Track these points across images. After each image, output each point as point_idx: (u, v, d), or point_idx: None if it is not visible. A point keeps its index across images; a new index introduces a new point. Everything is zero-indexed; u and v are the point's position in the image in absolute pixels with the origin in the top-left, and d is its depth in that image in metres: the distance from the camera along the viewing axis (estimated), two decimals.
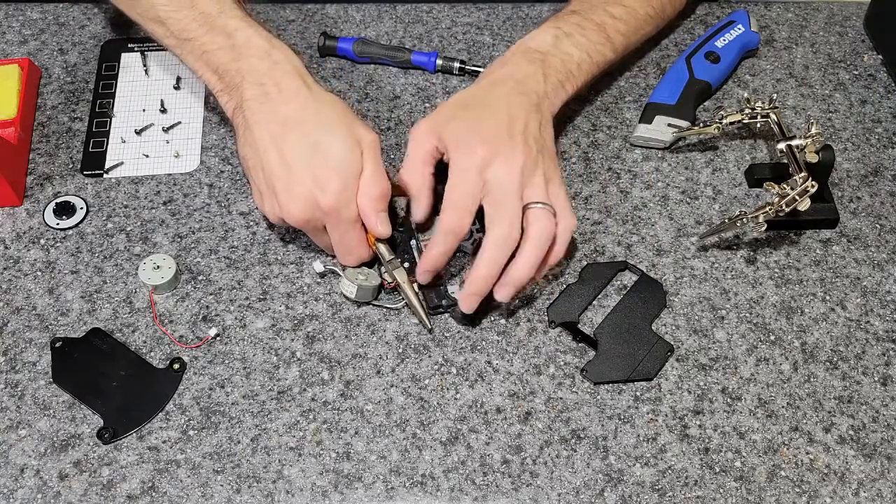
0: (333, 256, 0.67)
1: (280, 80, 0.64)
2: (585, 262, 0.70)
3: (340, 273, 0.67)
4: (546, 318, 0.67)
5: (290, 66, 0.65)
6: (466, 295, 0.63)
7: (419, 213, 0.65)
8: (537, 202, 0.62)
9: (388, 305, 0.67)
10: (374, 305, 0.67)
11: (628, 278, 0.70)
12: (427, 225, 0.67)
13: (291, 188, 0.61)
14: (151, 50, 0.83)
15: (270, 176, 0.62)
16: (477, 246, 0.65)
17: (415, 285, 0.66)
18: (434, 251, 0.63)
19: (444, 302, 0.66)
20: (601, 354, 0.65)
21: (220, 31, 0.66)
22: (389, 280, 0.66)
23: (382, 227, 0.64)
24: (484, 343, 0.66)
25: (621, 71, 0.83)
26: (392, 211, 0.72)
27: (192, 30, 0.66)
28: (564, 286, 0.69)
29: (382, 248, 0.66)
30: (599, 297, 0.69)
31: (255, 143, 0.63)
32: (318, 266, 0.68)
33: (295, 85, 0.64)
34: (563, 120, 0.79)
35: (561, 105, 0.71)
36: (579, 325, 0.67)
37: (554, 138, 0.68)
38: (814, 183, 0.67)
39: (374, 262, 0.68)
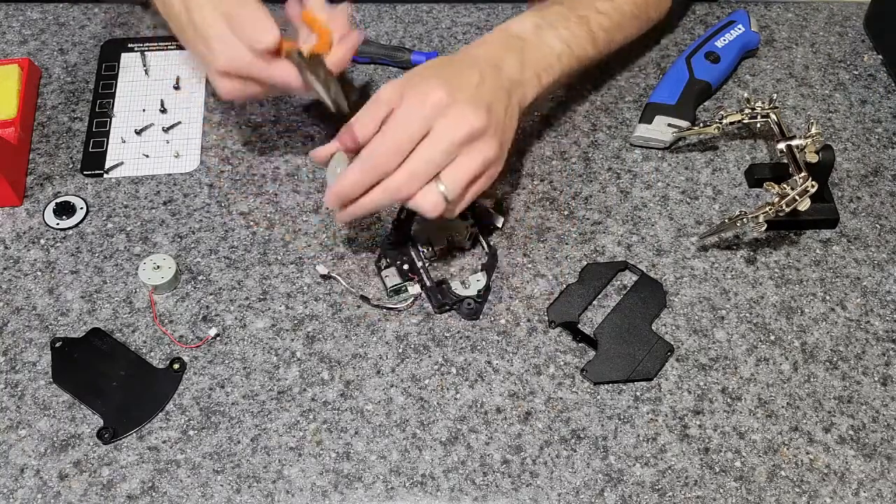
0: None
1: None
2: (585, 263, 0.70)
3: (341, 280, 0.68)
4: (546, 318, 0.67)
5: None
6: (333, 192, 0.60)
7: (362, 136, 0.59)
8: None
9: (389, 306, 0.67)
10: (373, 306, 0.67)
11: (628, 278, 0.70)
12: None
13: (208, 72, 0.65)
14: (151, 50, 0.83)
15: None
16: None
17: (322, 70, 0.63)
18: (349, 179, 0.59)
19: (449, 300, 0.66)
20: (601, 354, 0.65)
21: None
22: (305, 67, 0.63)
23: (260, 38, 0.61)
24: (484, 343, 0.66)
25: (621, 71, 0.83)
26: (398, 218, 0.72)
27: None
28: (564, 286, 0.69)
29: (295, 56, 0.63)
30: (599, 297, 0.69)
31: None
32: (322, 269, 0.68)
33: None
34: (563, 120, 0.79)
35: (533, 99, 0.66)
36: (579, 325, 0.67)
37: (513, 139, 0.64)
38: (814, 183, 0.67)
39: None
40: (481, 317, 0.67)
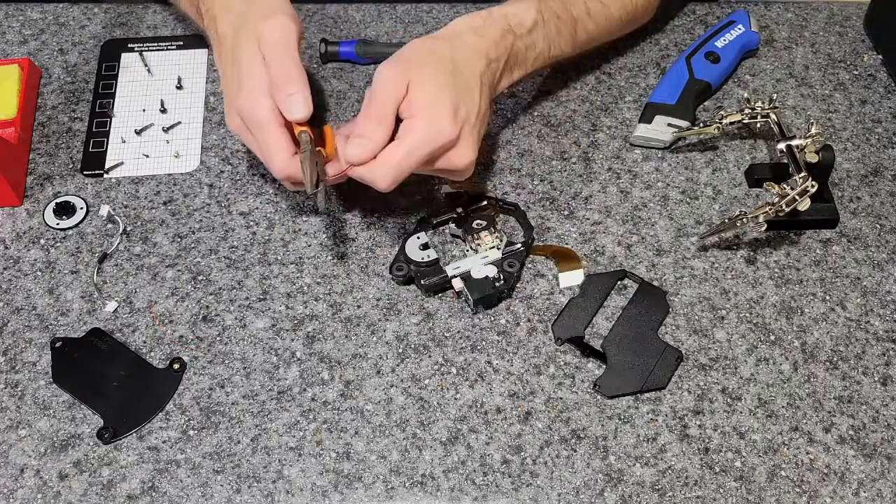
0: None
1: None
2: (585, 262, 0.70)
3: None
4: (545, 318, 0.67)
5: None
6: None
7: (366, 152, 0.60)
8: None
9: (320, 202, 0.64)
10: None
11: (629, 287, 0.70)
12: None
13: (226, 104, 0.64)
14: (151, 50, 0.83)
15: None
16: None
17: (315, 166, 0.61)
18: (352, 171, 0.60)
19: (445, 283, 0.67)
20: (612, 368, 0.64)
21: None
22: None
23: (294, 108, 0.60)
24: (484, 343, 0.66)
25: (621, 71, 0.83)
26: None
27: None
28: (567, 300, 0.68)
29: (304, 136, 0.61)
30: (602, 308, 0.68)
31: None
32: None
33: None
34: (563, 120, 0.79)
35: (498, 93, 0.69)
36: (586, 339, 0.66)
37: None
38: (814, 183, 0.67)
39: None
40: (481, 317, 0.67)
